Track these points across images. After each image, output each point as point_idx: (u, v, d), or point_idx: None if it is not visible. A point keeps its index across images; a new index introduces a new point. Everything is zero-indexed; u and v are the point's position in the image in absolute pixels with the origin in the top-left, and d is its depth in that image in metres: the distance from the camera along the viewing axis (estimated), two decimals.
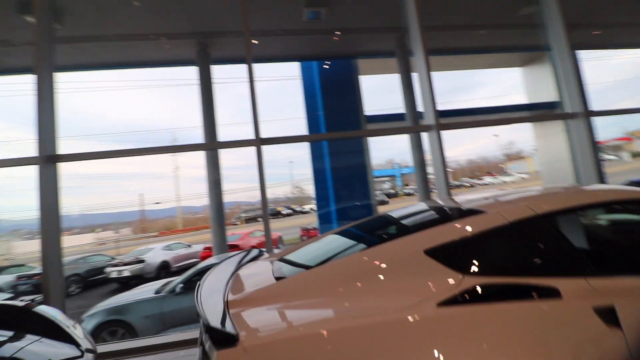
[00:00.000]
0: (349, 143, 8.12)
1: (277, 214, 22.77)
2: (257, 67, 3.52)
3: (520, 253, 1.17)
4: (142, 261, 8.48)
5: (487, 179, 29.14)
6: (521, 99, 10.04)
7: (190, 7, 4.80)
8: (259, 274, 1.36)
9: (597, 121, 7.12)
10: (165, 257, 9.23)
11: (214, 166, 6.47)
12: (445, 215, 1.46)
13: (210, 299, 1.11)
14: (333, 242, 1.59)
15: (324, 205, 8.34)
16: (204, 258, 8.92)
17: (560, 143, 7.79)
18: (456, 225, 1.23)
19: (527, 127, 9.48)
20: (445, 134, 3.28)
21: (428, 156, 4.32)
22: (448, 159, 3.27)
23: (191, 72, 6.60)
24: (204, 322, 0.95)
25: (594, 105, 7.04)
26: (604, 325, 1.00)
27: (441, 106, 3.33)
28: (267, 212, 2.88)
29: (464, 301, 0.99)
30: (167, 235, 22.16)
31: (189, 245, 10.29)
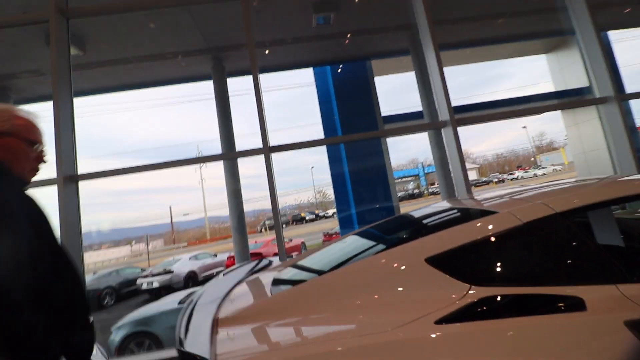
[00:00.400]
0: (367, 145, 8.02)
1: (301, 220, 22.87)
2: (272, 76, 3.55)
3: (536, 258, 1.03)
4: (170, 272, 8.75)
5: (518, 173, 27.71)
6: (548, 87, 9.51)
7: (202, 23, 4.95)
8: (260, 287, 1.32)
9: (636, 106, 6.55)
10: (192, 267, 9.48)
11: (232, 176, 6.60)
12: (452, 218, 1.35)
13: (200, 316, 1.07)
14: (337, 250, 1.53)
15: (345, 209, 8.25)
16: (228, 267, 9.09)
17: (594, 131, 7.24)
18: (462, 228, 1.12)
19: (557, 116, 8.94)
20: (471, 130, 3.13)
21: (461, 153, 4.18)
22: (475, 154, 3.12)
23: (208, 87, 6.81)
24: (177, 346, 0.91)
25: (630, 89, 6.50)
26: (638, 343, 0.86)
27: (463, 101, 3.18)
28: (278, 219, 2.87)
29: (469, 316, 0.87)
30: (195, 245, 22.86)
31: (215, 255, 10.52)
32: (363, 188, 7.82)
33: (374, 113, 7.81)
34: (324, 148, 8.76)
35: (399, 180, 20.70)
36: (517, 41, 7.84)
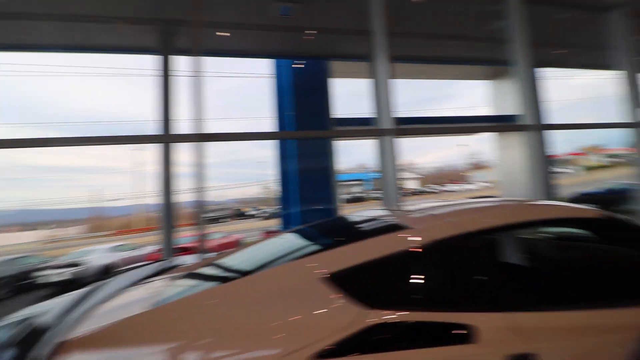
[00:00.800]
0: (315, 145, 7.94)
1: (241, 215, 22.13)
2: (230, 61, 3.25)
3: (438, 280, 0.96)
4: (76, 264, 7.72)
5: (452, 187, 30.27)
6: (488, 111, 10.41)
7: None
8: (144, 296, 1.09)
9: (556, 136, 7.44)
10: (110, 260, 8.51)
11: (166, 162, 6.02)
12: (364, 230, 1.26)
13: (48, 336, 0.82)
14: (249, 255, 1.35)
15: (287, 207, 8.09)
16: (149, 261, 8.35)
17: (517, 155, 8.09)
18: (367, 244, 1.02)
19: (490, 138, 9.84)
20: (417, 142, 3.16)
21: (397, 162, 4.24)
22: (419, 165, 3.15)
23: (152, 62, 6.13)
24: None
25: (556, 121, 7.35)
26: None
27: (413, 114, 3.22)
28: (203, 212, 2.60)
29: (356, 347, 0.76)
30: (125, 234, 20.84)
31: (138, 247, 9.60)
32: (307, 187, 7.72)
33: (327, 113, 7.76)
34: (275, 143, 8.50)
35: (346, 183, 21.16)
36: (466, 64, 8.39)
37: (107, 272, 8.26)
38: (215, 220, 21.65)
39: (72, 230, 25.81)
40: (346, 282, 0.87)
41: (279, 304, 0.84)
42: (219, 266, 1.28)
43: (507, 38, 4.19)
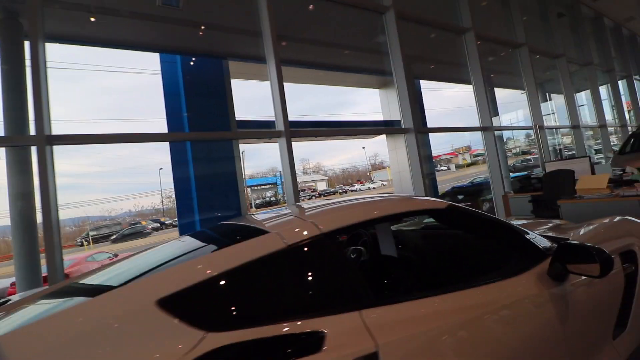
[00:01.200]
0: (216, 149, 7.53)
1: (141, 230, 19.53)
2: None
3: (284, 289, 0.92)
4: None
5: (357, 186, 32.75)
6: (379, 117, 11.54)
7: None
8: None
9: (435, 139, 8.70)
10: None
11: (20, 172, 4.84)
12: (218, 240, 1.19)
13: None
14: (78, 286, 1.12)
15: (186, 216, 7.45)
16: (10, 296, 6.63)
17: (403, 155, 9.22)
18: (212, 258, 0.94)
19: (385, 142, 10.94)
20: (322, 146, 3.21)
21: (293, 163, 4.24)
22: (326, 167, 3.20)
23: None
24: None
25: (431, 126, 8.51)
26: None
27: (315, 118, 3.23)
28: (52, 229, 2.15)
29: None
30: None
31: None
32: (207, 195, 7.26)
33: (228, 116, 7.43)
34: (170, 148, 7.71)
35: (257, 187, 20.79)
36: (360, 73, 9.13)
37: None
38: (104, 238, 18.53)
39: None
40: (180, 304, 0.77)
41: (111, 338, 0.70)
42: (43, 298, 1.03)
43: (387, 51, 4.70)
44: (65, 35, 5.16)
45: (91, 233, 17.41)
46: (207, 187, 7.27)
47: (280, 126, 3.21)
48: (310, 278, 0.94)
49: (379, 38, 6.01)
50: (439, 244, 2.13)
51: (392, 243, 1.90)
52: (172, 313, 0.74)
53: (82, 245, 15.73)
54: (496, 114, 10.07)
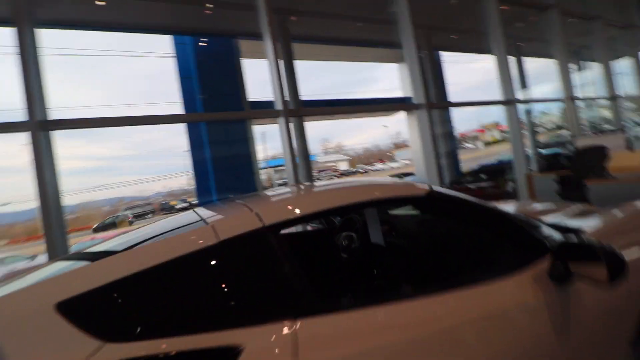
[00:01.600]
0: (231, 131, 7.57)
1: (170, 209, 20.51)
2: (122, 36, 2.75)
3: (218, 293, 0.79)
4: None
5: (378, 165, 32.22)
6: (399, 93, 11.04)
7: None
8: None
9: (461, 114, 8.25)
10: None
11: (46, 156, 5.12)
12: (149, 235, 1.04)
13: None
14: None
15: (206, 197, 7.66)
16: None
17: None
18: (124, 258, 0.83)
19: (406, 119, 10.51)
20: (344, 124, 3.11)
21: (326, 145, 4.16)
22: (347, 147, 3.12)
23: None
24: None
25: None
26: None
27: (336, 96, 3.12)
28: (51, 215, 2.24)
29: None
30: (19, 244, 17.72)
31: (32, 258, 8.23)
32: (224, 175, 7.37)
33: (240, 96, 7.40)
34: (187, 129, 7.84)
35: (276, 168, 20.90)
36: (376, 47, 8.66)
37: None
38: (139, 216, 19.68)
39: None
40: (80, 309, 0.69)
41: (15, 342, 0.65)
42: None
43: (398, 22, 4.37)
44: (78, 21, 5.22)
45: (122, 214, 18.48)
46: (222, 168, 7.39)
47: (279, 106, 3.11)
48: (239, 280, 0.81)
49: (392, 7, 5.61)
50: (426, 233, 1.84)
51: (379, 231, 1.77)
52: (69, 318, 0.67)
53: (114, 224, 16.76)
54: (526, 85, 9.30)
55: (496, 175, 7.90)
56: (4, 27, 5.28)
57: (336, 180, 1.49)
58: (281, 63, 3.17)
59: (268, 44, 3.09)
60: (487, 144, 32.79)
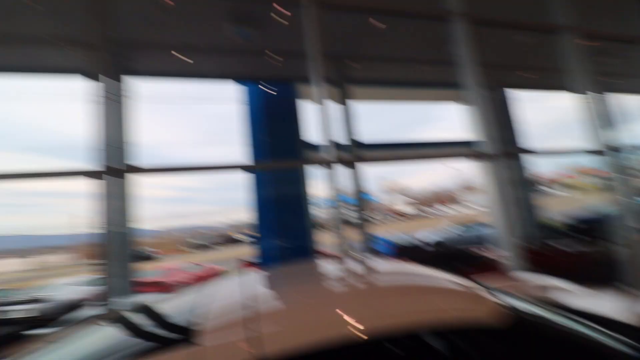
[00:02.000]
0: (287, 170, 7.76)
1: (230, 240, 21.54)
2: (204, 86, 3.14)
3: None
4: (37, 300, 7.22)
5: (444, 209, 30.02)
6: (464, 135, 10.30)
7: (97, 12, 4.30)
8: None
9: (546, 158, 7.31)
10: (78, 295, 7.99)
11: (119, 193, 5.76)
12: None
13: None
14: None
15: (262, 233, 7.76)
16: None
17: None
18: None
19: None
20: (407, 166, 2.95)
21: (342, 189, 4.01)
22: (409, 186, 2.91)
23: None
24: None
25: (536, 144, 7.19)
26: None
27: (396, 136, 3.00)
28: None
29: None
30: None
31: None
32: (281, 213, 7.43)
33: (298, 138, 7.62)
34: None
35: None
36: (435, 87, 8.37)
37: (74, 308, 7.71)
38: (203, 247, 21.04)
39: (55, 259, 24.98)
40: None
41: None
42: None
43: (459, 61, 4.11)
44: (159, 72, 6.04)
45: (190, 241, 19.97)
46: (280, 204, 7.47)
47: (330, 153, 3.01)
48: None
49: (448, 48, 5.37)
50: None
51: None
52: None
53: (182, 252, 18.13)
54: (614, 127, 7.88)
55: (596, 233, 6.29)
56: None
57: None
58: (341, 106, 3.14)
59: (318, 90, 3.08)
60: (577, 189, 28.40)
